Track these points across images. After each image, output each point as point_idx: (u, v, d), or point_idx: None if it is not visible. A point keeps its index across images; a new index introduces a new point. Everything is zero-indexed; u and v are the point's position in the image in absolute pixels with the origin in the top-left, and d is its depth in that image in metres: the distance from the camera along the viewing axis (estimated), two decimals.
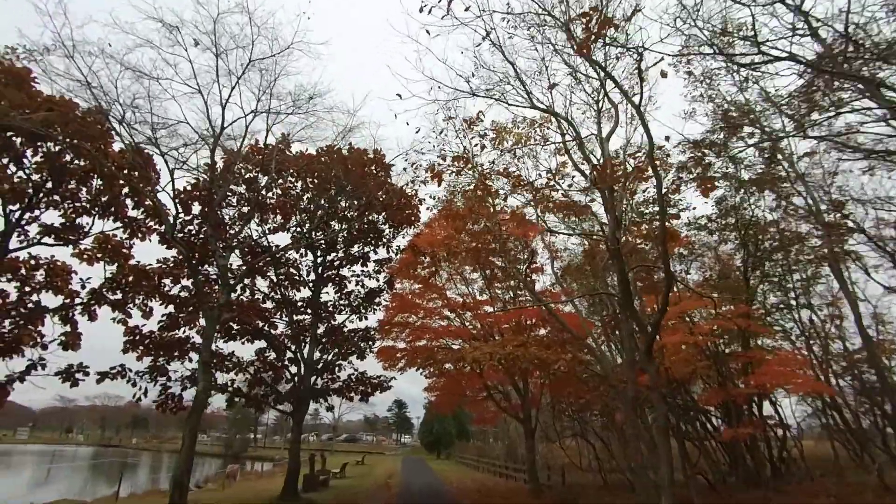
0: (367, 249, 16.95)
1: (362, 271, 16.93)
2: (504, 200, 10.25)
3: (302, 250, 16.43)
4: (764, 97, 14.41)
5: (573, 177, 11.66)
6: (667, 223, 7.97)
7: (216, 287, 12.82)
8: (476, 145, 10.04)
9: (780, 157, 15.78)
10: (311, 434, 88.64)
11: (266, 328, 13.59)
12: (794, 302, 16.80)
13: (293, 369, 14.53)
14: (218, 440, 79.37)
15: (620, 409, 12.45)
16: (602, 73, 8.38)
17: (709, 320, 16.63)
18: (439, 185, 9.61)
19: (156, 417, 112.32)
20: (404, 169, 10.49)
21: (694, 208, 10.53)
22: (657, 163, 8.57)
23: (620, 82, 8.38)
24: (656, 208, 13.65)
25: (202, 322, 13.65)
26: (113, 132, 10.50)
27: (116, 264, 12.07)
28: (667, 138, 8.23)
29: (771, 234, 16.19)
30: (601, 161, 9.14)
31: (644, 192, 14.90)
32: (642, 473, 10.56)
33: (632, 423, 10.36)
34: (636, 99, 7.29)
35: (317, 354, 15.91)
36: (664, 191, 7.49)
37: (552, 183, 10.20)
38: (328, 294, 16.62)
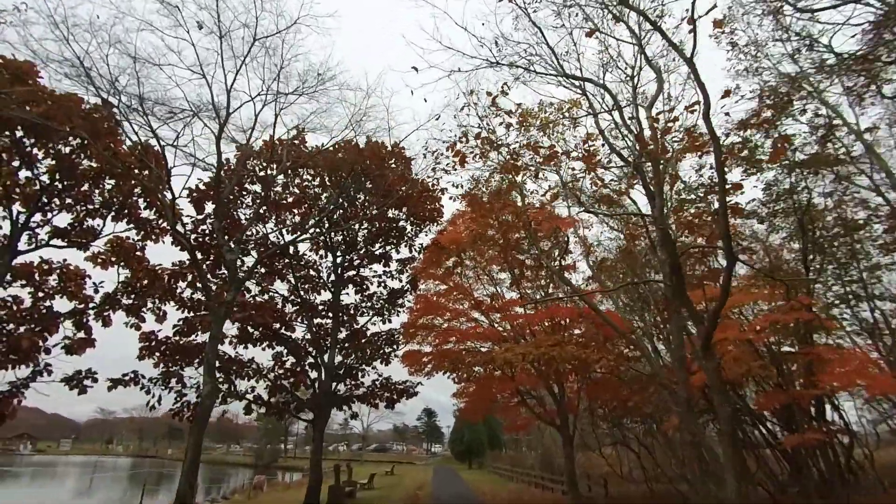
0: (388, 248, 16.20)
1: (384, 271, 16.19)
2: (534, 179, 9.27)
3: (322, 251, 15.81)
4: (818, 67, 13.08)
5: (608, 160, 10.63)
6: (727, 194, 6.89)
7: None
8: (501, 123, 9.13)
9: (839, 133, 14.32)
10: (340, 444, 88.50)
11: (285, 331, 12.94)
12: (861, 293, 15.15)
13: (313, 375, 13.85)
14: (250, 451, 79.95)
15: (673, 412, 11.23)
16: (642, 31, 7.40)
17: (760, 316, 15.17)
18: (462, 165, 8.74)
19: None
20: (423, 154, 9.65)
21: (741, 192, 9.33)
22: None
23: (663, 42, 7.39)
24: (696, 195, 12.50)
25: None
26: (120, 129, 10.06)
27: (130, 268, 11.65)
28: (727, 93, 7.15)
29: (831, 219, 14.69)
30: (644, 132, 8.11)
31: (687, 177, 13.72)
32: (702, 485, 9.33)
33: (689, 427, 9.16)
34: (687, 50, 6.27)
35: (338, 359, 15.20)
36: (722, 156, 6.41)
37: (592, 148, 9.16)
38: (349, 295, 15.97)
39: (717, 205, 9.99)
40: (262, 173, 13.12)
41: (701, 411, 13.52)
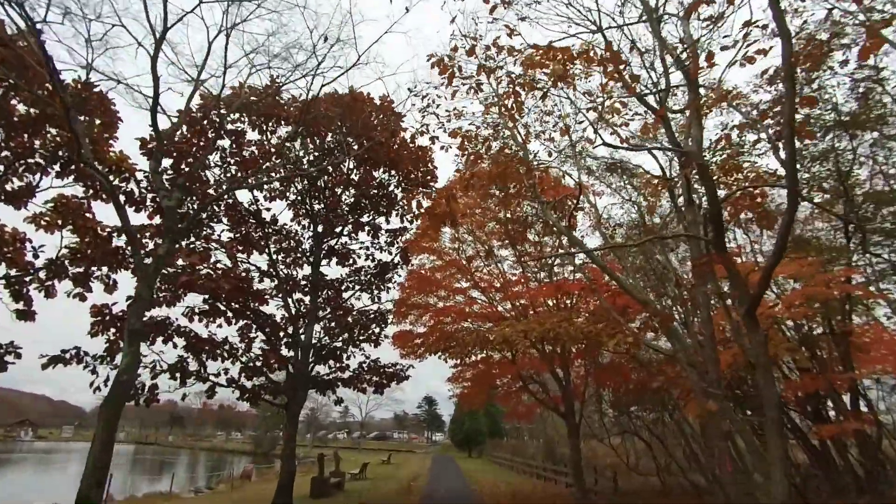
0: (377, 218, 14.68)
1: (372, 243, 14.67)
2: (542, 99, 7.66)
3: (303, 221, 14.31)
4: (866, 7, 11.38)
5: (629, 110, 9.03)
6: (796, 106, 5.33)
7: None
8: (501, 53, 7.51)
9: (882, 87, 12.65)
10: (340, 432, 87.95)
11: (255, 305, 11.50)
12: None
13: (290, 354, 12.41)
14: (249, 439, 79.43)
15: (694, 397, 9.75)
16: None
17: (791, 291, 13.64)
18: (450, 83, 7.14)
19: (193, 415, 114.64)
20: (411, 95, 8.07)
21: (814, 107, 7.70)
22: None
23: None
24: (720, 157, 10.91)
25: (192, 299, 11.69)
26: (52, 65, 8.50)
27: (77, 231, 10.17)
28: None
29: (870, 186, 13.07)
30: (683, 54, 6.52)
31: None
32: (739, 483, 7.89)
33: (724, 414, 7.67)
34: None
35: (322, 338, 13.78)
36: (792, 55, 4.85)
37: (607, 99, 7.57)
38: (330, 268, 14.49)
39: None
40: (231, 126, 11.57)
41: (724, 397, 12.05)
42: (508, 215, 16.80)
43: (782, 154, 5.13)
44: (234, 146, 11.95)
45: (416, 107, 8.16)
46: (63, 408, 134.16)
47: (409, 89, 7.63)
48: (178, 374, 11.04)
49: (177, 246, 9.72)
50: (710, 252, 6.65)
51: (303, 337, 12.29)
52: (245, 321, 11.45)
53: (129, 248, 9.83)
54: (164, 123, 9.55)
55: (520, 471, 27.37)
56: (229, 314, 11.53)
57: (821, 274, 12.13)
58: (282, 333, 12.68)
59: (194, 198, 10.85)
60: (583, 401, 15.33)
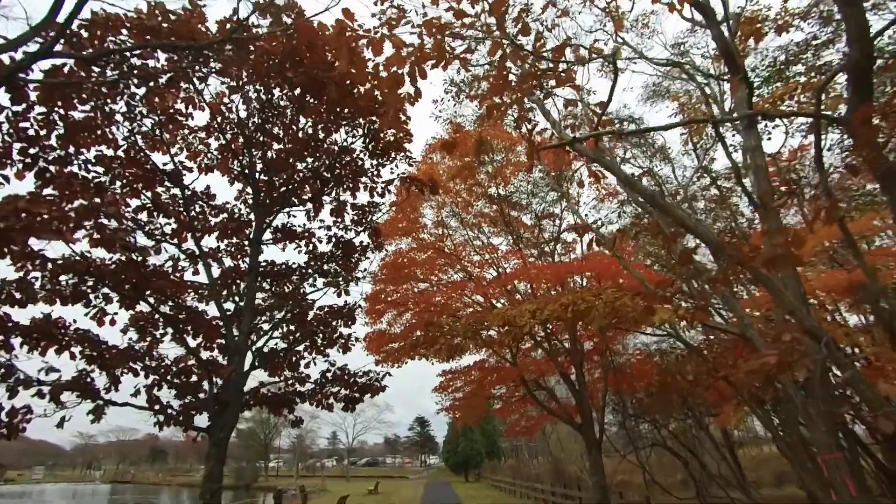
0: (342, 195, 11.92)
1: (335, 222, 11.87)
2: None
3: (246, 196, 11.51)
4: None
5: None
6: None
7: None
8: None
9: None
10: (328, 459, 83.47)
11: (178, 298, 8.57)
12: None
13: (224, 360, 9.47)
14: (231, 471, 74.56)
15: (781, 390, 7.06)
16: None
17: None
18: None
19: (175, 449, 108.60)
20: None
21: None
22: None
23: None
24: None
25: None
26: None
27: None
28: None
29: None
30: None
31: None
32: None
33: (825, 403, 4.98)
34: None
35: (272, 340, 10.83)
36: None
37: None
38: (286, 253, 11.68)
39: None
40: (139, 62, 8.80)
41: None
42: (501, 191, 14.24)
43: None
44: (147, 92, 9.18)
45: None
46: (42, 447, 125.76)
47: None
48: (79, 394, 8.05)
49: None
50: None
51: (237, 336, 9.35)
52: (145, 311, 8.43)
53: None
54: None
55: (523, 495, 24.13)
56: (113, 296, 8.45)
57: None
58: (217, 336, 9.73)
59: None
60: (601, 409, 12.50)
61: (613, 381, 12.94)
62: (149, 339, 8.68)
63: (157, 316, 8.36)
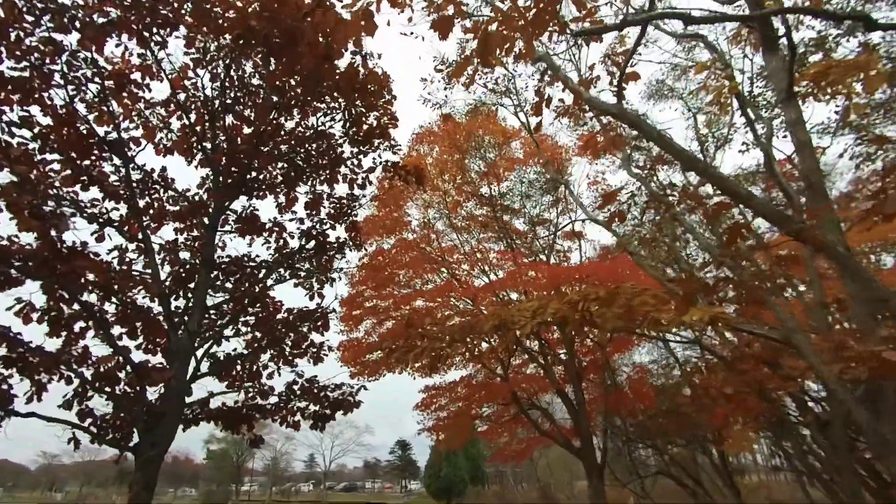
0: (318, 186, 10.72)
1: (309, 215, 10.62)
2: None
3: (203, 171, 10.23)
4: None
5: None
6: None
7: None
8: None
9: None
10: (305, 484, 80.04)
11: (124, 292, 7.19)
12: None
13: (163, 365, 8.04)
14: (202, 493, 70.77)
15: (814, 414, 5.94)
16: None
17: None
18: None
19: None
20: None
21: None
22: None
23: None
24: None
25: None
26: None
27: None
28: None
29: None
30: None
31: None
32: None
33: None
34: None
35: (235, 345, 9.42)
36: None
37: None
38: (252, 248, 10.39)
39: None
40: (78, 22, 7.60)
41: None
42: (494, 191, 13.17)
43: None
44: (94, 54, 7.97)
45: None
46: (4, 468, 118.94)
47: None
48: None
49: None
50: None
51: (181, 335, 7.96)
52: (55, 292, 6.96)
53: None
54: None
55: None
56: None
57: None
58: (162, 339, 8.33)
59: None
60: (604, 431, 11.23)
61: (613, 401, 11.74)
62: (64, 333, 7.24)
63: (74, 305, 6.94)
